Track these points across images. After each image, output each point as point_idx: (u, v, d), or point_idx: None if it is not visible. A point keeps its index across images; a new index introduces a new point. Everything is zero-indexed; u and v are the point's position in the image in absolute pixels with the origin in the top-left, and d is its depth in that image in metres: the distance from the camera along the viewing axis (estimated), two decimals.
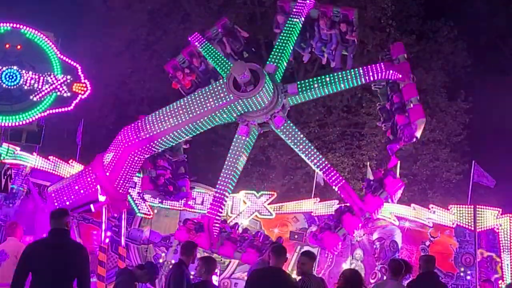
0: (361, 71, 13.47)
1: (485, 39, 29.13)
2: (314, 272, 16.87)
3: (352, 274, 8.29)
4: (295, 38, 14.13)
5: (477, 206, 17.48)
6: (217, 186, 13.47)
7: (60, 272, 6.78)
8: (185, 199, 15.15)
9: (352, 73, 13.52)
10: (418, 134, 13.35)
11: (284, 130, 13.24)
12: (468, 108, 27.04)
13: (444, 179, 26.46)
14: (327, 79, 13.53)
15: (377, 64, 13.45)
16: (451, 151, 26.80)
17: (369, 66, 13.52)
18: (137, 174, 14.42)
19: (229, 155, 13.53)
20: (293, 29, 13.98)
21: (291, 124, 13.40)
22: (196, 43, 14.43)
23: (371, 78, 13.44)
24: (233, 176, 13.45)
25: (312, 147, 13.30)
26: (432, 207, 17.92)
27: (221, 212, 13.59)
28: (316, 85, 13.44)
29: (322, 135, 26.34)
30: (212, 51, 14.20)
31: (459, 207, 17.73)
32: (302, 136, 13.35)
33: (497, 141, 26.17)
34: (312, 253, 8.61)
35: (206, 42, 14.35)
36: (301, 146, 13.18)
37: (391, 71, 13.26)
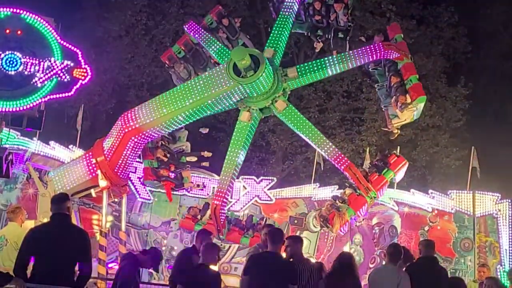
0: (360, 51, 13.42)
1: (486, 25, 28.99)
2: (313, 256, 17.08)
3: (346, 256, 8.40)
4: (292, 21, 14.09)
5: (476, 192, 17.55)
6: (222, 172, 13.44)
7: (62, 257, 6.83)
8: (188, 188, 15.09)
9: (351, 54, 13.48)
10: (419, 113, 13.35)
11: (286, 114, 13.20)
12: (468, 94, 27.02)
13: (443, 164, 26.52)
14: (327, 61, 13.48)
15: (376, 44, 13.40)
16: (451, 137, 26.83)
17: (367, 47, 13.45)
18: (137, 159, 14.39)
19: (232, 141, 13.49)
20: (289, 13, 13.94)
21: (293, 108, 13.36)
22: (192, 32, 14.36)
23: (370, 58, 13.38)
24: (237, 162, 13.42)
25: (315, 129, 13.26)
26: (432, 193, 18.01)
27: (227, 199, 13.60)
28: (315, 68, 13.39)
29: (322, 120, 26.36)
30: (209, 39, 14.14)
31: (458, 193, 17.82)
32: (304, 119, 13.32)
33: (496, 127, 26.20)
34: (297, 236, 8.69)
35: (202, 30, 14.28)
36: (304, 129, 13.15)
37: (389, 51, 13.23)
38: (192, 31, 14.37)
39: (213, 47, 14.04)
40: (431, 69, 26.31)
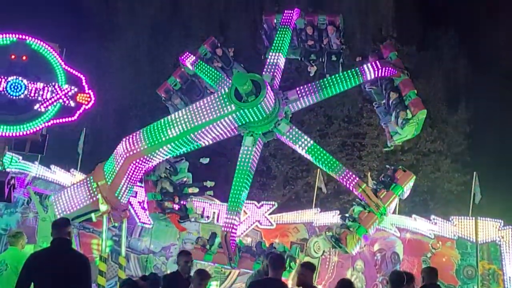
0: (358, 70, 13.56)
1: (486, 49, 29.26)
2: (314, 283, 16.95)
3: (346, 284, 8.29)
4: (287, 47, 14.31)
5: (479, 218, 17.48)
6: (230, 199, 13.42)
7: (62, 282, 6.80)
8: (193, 219, 15.05)
9: (350, 73, 13.62)
10: (419, 127, 13.39)
11: (290, 136, 13.26)
12: (469, 118, 27.13)
13: (445, 190, 26.52)
14: (326, 82, 13.62)
15: (373, 62, 13.55)
16: (452, 162, 26.87)
17: (365, 65, 13.60)
18: (138, 184, 14.41)
19: (237, 166, 13.51)
20: (284, 39, 14.16)
21: (296, 129, 13.44)
22: (187, 63, 14.56)
23: (369, 76, 13.52)
24: (244, 187, 13.44)
25: (321, 149, 13.29)
26: (434, 218, 17.94)
27: (237, 226, 13.55)
28: (315, 90, 13.52)
29: (323, 145, 26.24)
30: (205, 68, 14.34)
31: (461, 219, 17.75)
32: (308, 139, 13.37)
33: (498, 151, 26.23)
34: (312, 264, 8.56)
35: (198, 60, 14.47)
36: (309, 149, 13.18)
37: (386, 68, 13.37)
38: (188, 62, 14.56)
39: (209, 75, 14.20)
40: (432, 95, 26.48)
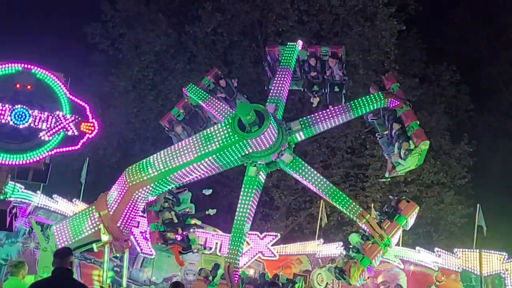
0: (360, 101, 13.59)
1: (488, 83, 29.44)
2: None
3: None
4: (290, 78, 14.41)
5: (483, 250, 17.28)
6: (233, 230, 13.30)
7: None
8: (196, 250, 14.90)
9: (352, 104, 13.64)
10: (422, 158, 13.33)
11: (294, 166, 13.20)
12: (472, 151, 27.10)
13: (449, 222, 26.33)
14: (328, 113, 13.63)
15: (376, 94, 13.59)
16: (456, 194, 26.74)
17: (368, 96, 13.64)
18: (140, 213, 14.32)
19: (241, 197, 13.41)
20: (287, 71, 14.27)
21: (299, 160, 13.38)
22: (191, 93, 14.65)
23: (372, 107, 13.54)
24: (247, 218, 13.34)
25: (324, 179, 13.20)
26: (438, 251, 17.74)
27: (240, 257, 13.41)
28: (318, 120, 13.53)
29: (326, 176, 26.11)
30: (208, 99, 14.41)
31: (465, 251, 17.56)
32: (312, 170, 13.29)
33: (501, 183, 26.13)
34: None
35: (201, 91, 14.56)
36: (312, 180, 13.10)
37: (389, 99, 13.41)
38: (191, 93, 14.64)
39: (213, 106, 14.25)
40: (435, 127, 26.55)
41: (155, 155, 12.94)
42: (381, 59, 26.38)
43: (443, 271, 17.38)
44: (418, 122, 13.41)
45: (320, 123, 13.62)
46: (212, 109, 14.33)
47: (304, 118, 13.92)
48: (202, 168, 12.90)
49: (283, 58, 14.57)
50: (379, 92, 13.67)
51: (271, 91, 14.14)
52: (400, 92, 13.80)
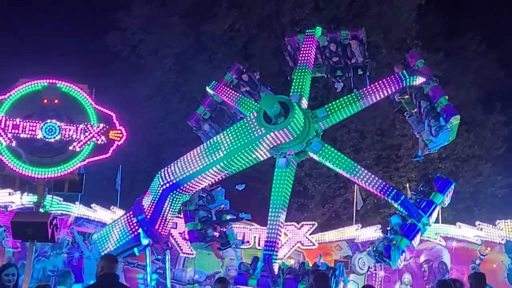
0: (385, 81, 13.48)
1: None
2: None
3: None
4: (311, 68, 14.39)
5: None
6: (269, 221, 13.43)
7: None
8: (233, 246, 15.06)
9: (378, 85, 13.54)
10: (454, 133, 13.18)
11: (324, 154, 13.19)
12: (506, 120, 26.57)
13: (489, 194, 25.91)
14: (354, 97, 13.56)
15: (399, 73, 13.45)
16: (493, 166, 26.28)
17: (393, 76, 13.52)
18: (177, 214, 14.55)
19: (273, 189, 13.52)
20: (308, 61, 14.26)
21: (329, 147, 13.36)
22: (215, 91, 14.77)
23: (397, 87, 13.39)
24: (282, 209, 13.45)
25: (356, 164, 13.16)
26: (479, 224, 17.50)
27: (278, 248, 13.54)
28: (344, 105, 13.47)
29: (357, 160, 26.13)
30: (232, 95, 14.51)
31: (507, 222, 17.28)
32: (342, 155, 13.27)
33: None
34: None
35: (224, 87, 14.68)
36: (344, 166, 13.07)
37: (414, 77, 13.27)
38: (215, 90, 14.77)
39: (238, 101, 14.35)
40: (465, 99, 26.09)
41: (185, 156, 13.14)
42: (402, 36, 26.06)
43: (486, 244, 17.16)
44: (447, 97, 13.24)
45: (346, 108, 13.59)
46: (237, 104, 14.45)
47: (330, 104, 13.92)
48: (232, 164, 13.05)
49: (303, 46, 14.58)
50: (404, 71, 13.56)
51: (294, 81, 14.17)
52: (425, 69, 13.63)
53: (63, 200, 15.68)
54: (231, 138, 12.66)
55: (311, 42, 14.58)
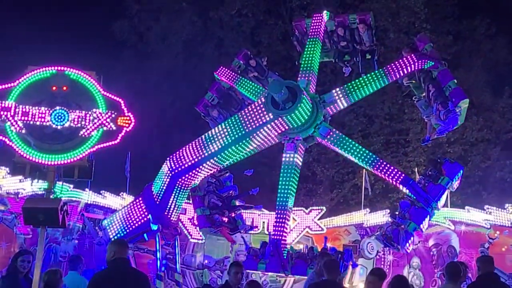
0: (393, 66, 13.46)
1: None
2: None
3: (396, 281, 8.09)
4: (319, 51, 14.37)
5: None
6: (277, 206, 13.55)
7: None
8: (242, 231, 15.14)
9: (386, 70, 13.53)
10: (463, 117, 13.16)
11: (332, 139, 13.25)
12: None
13: (498, 178, 25.81)
14: (362, 81, 13.58)
15: (408, 56, 13.41)
16: (502, 149, 26.15)
17: (401, 60, 13.49)
18: (186, 200, 14.64)
19: (281, 174, 13.62)
20: (315, 44, 14.23)
21: (337, 132, 13.42)
22: (223, 77, 14.79)
23: (405, 71, 13.39)
24: (290, 194, 13.54)
25: (363, 149, 13.20)
26: (488, 208, 17.48)
27: (286, 232, 13.64)
28: (352, 90, 13.50)
29: (366, 145, 26.09)
30: (240, 81, 14.53)
31: None
32: (350, 140, 13.32)
33: None
34: (382, 272, 8.16)
35: (232, 73, 14.69)
36: (352, 150, 13.12)
37: (423, 60, 13.22)
38: (223, 76, 14.79)
39: (246, 87, 14.37)
40: (474, 83, 25.89)
41: (193, 142, 13.23)
42: (411, 20, 25.86)
43: (495, 228, 17.13)
44: (455, 81, 13.20)
45: (354, 92, 13.59)
46: (244, 90, 14.47)
47: (338, 89, 13.92)
48: (240, 150, 13.12)
49: (311, 31, 14.54)
50: (412, 55, 13.51)
51: (302, 66, 14.16)
52: (434, 52, 13.59)
53: (73, 187, 15.82)
54: (238, 123, 12.71)
55: (320, 21, 14.53)
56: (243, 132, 12.65)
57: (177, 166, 13.07)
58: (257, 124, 12.56)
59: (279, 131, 13.06)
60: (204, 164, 13.07)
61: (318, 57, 14.41)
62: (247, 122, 12.63)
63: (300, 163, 14.04)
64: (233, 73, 14.77)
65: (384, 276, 7.83)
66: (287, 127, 12.91)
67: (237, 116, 12.99)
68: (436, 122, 13.56)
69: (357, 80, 13.75)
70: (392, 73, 13.44)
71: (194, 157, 12.97)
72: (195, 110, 15.79)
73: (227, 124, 12.97)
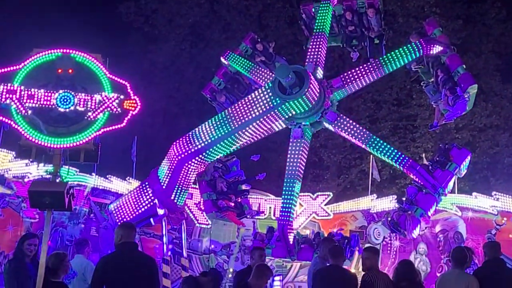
0: (402, 51, 13.37)
1: None
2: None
3: (402, 265, 8.24)
4: (327, 36, 14.27)
5: None
6: (283, 192, 13.57)
7: (132, 284, 7.06)
8: (249, 216, 15.16)
9: (394, 55, 13.45)
10: (471, 103, 13.08)
11: (339, 124, 13.21)
12: None
13: (506, 164, 25.70)
14: (370, 66, 13.50)
15: (416, 42, 13.31)
16: (511, 135, 26.01)
17: (409, 45, 13.39)
18: (192, 185, 14.66)
19: (288, 160, 13.62)
20: (324, 29, 14.13)
21: (344, 117, 13.38)
22: (230, 61, 14.72)
23: (414, 56, 13.30)
24: (297, 179, 13.54)
25: (370, 134, 13.16)
26: (495, 194, 17.41)
27: (292, 218, 13.67)
28: (359, 75, 13.42)
29: (373, 130, 26.02)
30: (247, 65, 14.46)
31: None
32: (357, 126, 13.27)
33: None
34: (375, 248, 8.57)
35: (239, 57, 14.61)
36: (359, 136, 13.09)
37: (431, 45, 13.11)
38: (230, 60, 14.72)
39: (253, 71, 14.30)
40: (483, 68, 25.70)
41: (200, 126, 13.21)
42: (420, 4, 25.59)
43: (503, 214, 17.06)
44: (464, 66, 13.11)
45: (359, 78, 13.52)
46: (252, 74, 14.42)
47: (345, 74, 13.85)
48: (247, 135, 13.09)
49: (318, 14, 14.44)
50: (420, 40, 13.40)
51: (309, 50, 14.07)
52: (443, 37, 13.46)
53: (80, 171, 15.86)
54: (246, 108, 12.67)
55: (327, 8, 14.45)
56: (250, 117, 12.60)
57: (184, 150, 13.06)
58: (264, 109, 12.52)
59: (286, 116, 13.01)
60: (211, 149, 13.05)
61: (326, 42, 14.30)
62: (254, 107, 12.58)
63: (307, 149, 14.01)
64: (239, 57, 14.70)
65: (377, 251, 8.65)
66: (293, 112, 12.86)
67: (244, 101, 12.95)
68: (444, 107, 13.49)
69: (365, 65, 13.69)
70: (400, 58, 13.35)
71: (201, 141, 12.95)
72: (201, 94, 15.76)
73: (233, 109, 12.93)
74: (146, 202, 13.61)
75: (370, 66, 13.58)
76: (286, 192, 13.48)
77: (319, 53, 13.88)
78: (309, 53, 13.97)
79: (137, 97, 8.66)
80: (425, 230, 17.16)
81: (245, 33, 19.28)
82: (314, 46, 13.97)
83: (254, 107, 12.59)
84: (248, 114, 12.63)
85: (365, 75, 13.51)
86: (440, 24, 14.84)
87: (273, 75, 13.08)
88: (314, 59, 13.78)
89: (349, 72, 13.74)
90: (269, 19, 27.39)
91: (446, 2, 26.38)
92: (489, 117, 25.53)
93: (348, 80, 13.52)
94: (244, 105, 12.75)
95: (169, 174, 13.42)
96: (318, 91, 12.81)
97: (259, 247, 9.38)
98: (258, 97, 12.65)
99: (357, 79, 13.51)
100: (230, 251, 18.19)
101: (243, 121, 12.67)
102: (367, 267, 8.22)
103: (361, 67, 13.75)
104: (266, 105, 12.49)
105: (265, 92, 12.57)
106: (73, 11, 25.75)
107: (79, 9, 26.14)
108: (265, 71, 14.39)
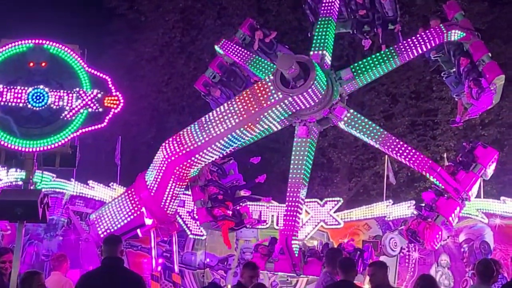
0: (419, 37, 13.32)
1: None
2: (394, 284, 16.77)
3: (422, 280, 8.14)
4: (335, 21, 14.21)
5: None
6: (287, 199, 13.53)
7: None
8: (249, 226, 15.10)
9: (410, 42, 13.40)
10: (498, 96, 13.03)
11: (348, 120, 13.15)
12: None
13: None
14: (383, 55, 13.47)
15: (436, 27, 13.25)
16: None
17: (427, 31, 13.34)
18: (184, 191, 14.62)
19: (292, 162, 13.58)
20: (331, 13, 14.08)
21: (355, 113, 13.33)
22: (226, 51, 14.66)
23: (432, 43, 13.25)
24: (302, 184, 13.50)
25: (385, 132, 13.10)
26: None
27: (298, 228, 13.62)
28: (372, 64, 13.38)
29: (389, 127, 25.99)
30: (245, 54, 14.41)
31: None
32: (370, 122, 13.22)
33: None
34: (380, 261, 8.49)
35: (236, 47, 14.56)
36: (372, 134, 13.03)
37: (452, 31, 13.06)
38: (226, 50, 14.65)
39: (252, 62, 14.23)
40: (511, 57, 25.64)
41: (193, 125, 13.16)
42: None
43: None
44: (490, 54, 13.07)
45: (371, 69, 13.47)
46: (250, 65, 14.36)
47: (356, 64, 13.80)
48: (246, 134, 13.04)
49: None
50: (441, 25, 13.36)
51: (315, 37, 14.03)
52: (465, 22, 13.43)
53: (57, 176, 15.82)
54: (243, 104, 12.62)
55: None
56: (249, 114, 12.56)
57: (174, 152, 13.01)
58: (265, 105, 12.47)
59: (289, 113, 12.98)
60: (205, 150, 13.00)
61: (334, 27, 14.26)
62: (253, 103, 12.53)
63: (314, 149, 13.98)
64: (236, 47, 14.65)
65: (384, 264, 8.30)
66: (298, 108, 12.82)
67: (242, 95, 12.90)
68: (467, 101, 13.45)
69: (379, 54, 13.66)
70: (418, 46, 13.29)
71: (194, 142, 12.90)
72: (193, 89, 15.73)
73: (230, 105, 12.88)
74: (132, 211, 13.58)
75: (384, 54, 13.54)
76: (291, 199, 13.44)
77: (326, 40, 13.82)
78: (314, 41, 13.91)
79: (120, 93, 8.60)
80: (447, 239, 17.10)
81: (242, 19, 19.28)
82: (320, 33, 13.91)
83: (253, 103, 12.54)
84: (247, 110, 12.58)
85: (378, 65, 13.46)
86: (463, 7, 14.78)
87: (275, 66, 13.03)
88: (321, 48, 13.71)
89: (361, 62, 13.68)
90: (270, 2, 27.35)
91: None
92: None
93: (360, 71, 13.47)
94: (242, 100, 12.70)
95: (158, 180, 13.37)
96: (325, 84, 12.76)
97: (251, 263, 9.22)
98: (258, 91, 12.61)
99: (370, 70, 13.46)
100: (227, 265, 18.17)
101: (240, 118, 12.62)
102: (376, 285, 8.12)
103: (373, 56, 13.71)
104: (267, 100, 12.44)
105: (265, 86, 12.53)
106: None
107: None
108: (266, 61, 14.34)
